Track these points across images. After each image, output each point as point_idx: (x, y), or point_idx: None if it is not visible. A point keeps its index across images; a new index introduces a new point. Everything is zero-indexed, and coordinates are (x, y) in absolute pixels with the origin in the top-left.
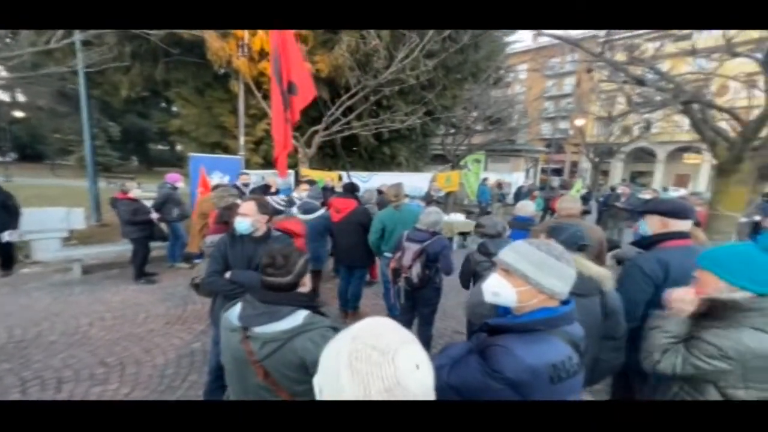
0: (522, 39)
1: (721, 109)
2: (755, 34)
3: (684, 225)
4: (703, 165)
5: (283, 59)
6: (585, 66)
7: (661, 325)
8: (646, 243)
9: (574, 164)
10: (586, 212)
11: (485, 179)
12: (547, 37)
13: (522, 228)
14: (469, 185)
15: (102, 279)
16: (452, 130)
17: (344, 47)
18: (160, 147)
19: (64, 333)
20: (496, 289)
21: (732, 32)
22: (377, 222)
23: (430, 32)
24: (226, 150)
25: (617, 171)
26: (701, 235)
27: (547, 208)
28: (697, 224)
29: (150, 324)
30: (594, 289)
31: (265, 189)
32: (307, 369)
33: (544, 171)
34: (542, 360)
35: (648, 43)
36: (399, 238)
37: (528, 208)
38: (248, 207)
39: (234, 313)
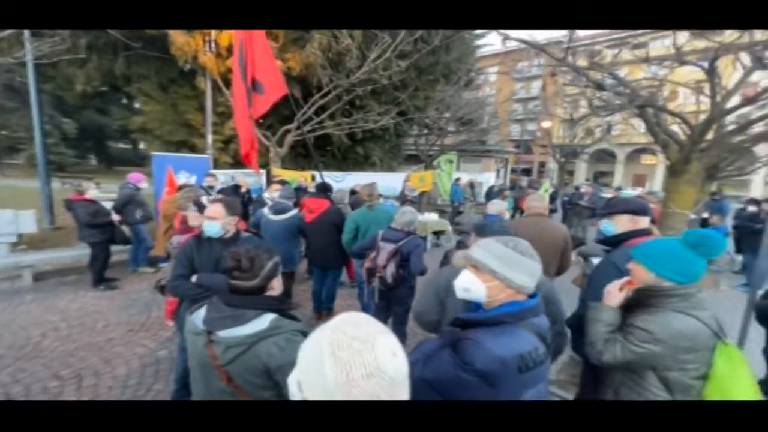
0: (492, 42)
1: (672, 113)
2: (701, 44)
3: (647, 222)
4: (658, 166)
5: (249, 56)
6: (550, 70)
7: (598, 317)
8: (615, 241)
9: (542, 164)
10: (552, 210)
11: (458, 179)
12: (514, 41)
13: None
14: (442, 185)
15: (56, 286)
16: (425, 131)
17: (316, 45)
18: (121, 145)
19: (12, 346)
20: (467, 285)
21: (681, 41)
22: (350, 222)
23: (402, 33)
24: (193, 149)
25: (581, 171)
26: (656, 232)
27: (517, 207)
28: (652, 221)
29: (110, 332)
30: None
31: (235, 189)
32: (271, 375)
33: (513, 171)
34: (510, 351)
35: (607, 49)
36: (372, 238)
37: (499, 206)
38: (216, 210)
39: (199, 316)
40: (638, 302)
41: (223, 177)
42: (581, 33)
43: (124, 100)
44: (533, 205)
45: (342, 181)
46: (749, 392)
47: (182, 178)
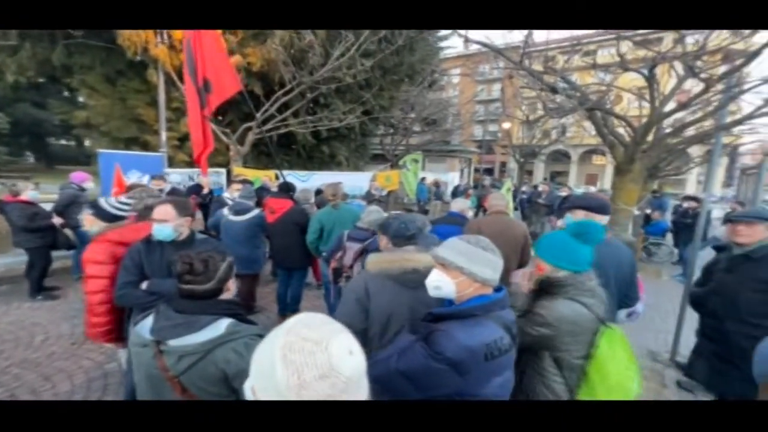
0: (454, 45)
1: (617, 116)
2: (642, 53)
3: (603, 219)
4: (608, 166)
5: (198, 55)
6: (507, 73)
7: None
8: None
9: (503, 164)
10: (515, 208)
11: (423, 178)
12: (475, 43)
13: (453, 223)
14: (408, 184)
15: None
16: (391, 131)
17: (277, 41)
18: (63, 142)
19: None
20: (437, 283)
21: (624, 49)
22: (315, 222)
23: (366, 32)
24: (146, 147)
25: (539, 171)
26: None
27: (480, 206)
28: None
29: (51, 346)
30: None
31: (197, 190)
32: (229, 382)
33: (477, 170)
34: (478, 340)
35: (560, 55)
36: (339, 238)
37: (461, 204)
38: (165, 211)
39: (145, 326)
40: (543, 291)
41: (179, 177)
42: (537, 39)
43: (66, 93)
44: (495, 204)
45: (307, 181)
46: (625, 371)
47: (133, 178)
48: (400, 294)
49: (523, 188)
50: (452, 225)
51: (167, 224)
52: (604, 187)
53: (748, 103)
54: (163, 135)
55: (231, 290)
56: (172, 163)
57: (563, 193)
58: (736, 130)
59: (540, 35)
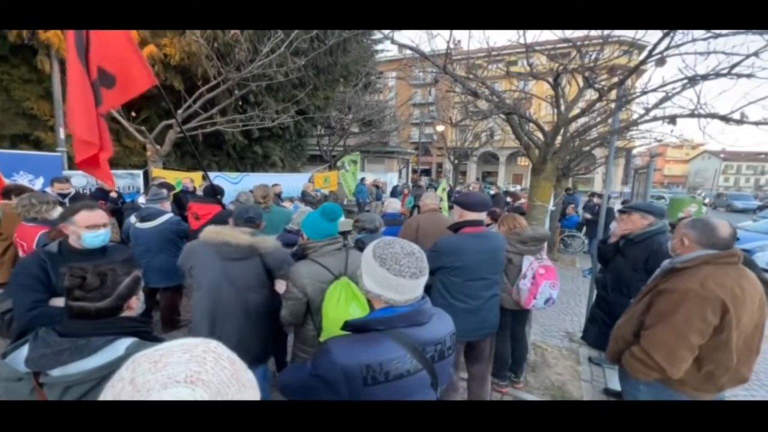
0: (389, 48)
1: (529, 119)
2: (549, 64)
3: (477, 216)
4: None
5: (95, 42)
6: (434, 77)
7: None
8: (454, 228)
9: (440, 165)
10: (450, 207)
11: (362, 179)
12: (401, 46)
13: (391, 224)
14: (347, 185)
15: None
16: (328, 131)
17: (198, 33)
18: None
19: None
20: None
21: (534, 60)
22: None
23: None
24: (38, 145)
25: (472, 171)
26: (524, 222)
27: (416, 205)
28: (522, 213)
29: None
30: (250, 253)
31: (102, 195)
32: None
33: (415, 171)
34: (356, 360)
35: (484, 63)
36: None
37: (395, 204)
38: (100, 215)
39: (18, 357)
40: (302, 251)
41: (84, 180)
42: (464, 47)
43: None
44: (427, 203)
45: (239, 182)
46: (341, 309)
47: (23, 181)
48: (215, 261)
49: (458, 188)
50: (393, 226)
51: (102, 229)
52: (527, 186)
53: (633, 111)
54: (61, 132)
55: (134, 309)
56: (73, 163)
57: (492, 191)
58: (628, 135)
59: (465, 43)
